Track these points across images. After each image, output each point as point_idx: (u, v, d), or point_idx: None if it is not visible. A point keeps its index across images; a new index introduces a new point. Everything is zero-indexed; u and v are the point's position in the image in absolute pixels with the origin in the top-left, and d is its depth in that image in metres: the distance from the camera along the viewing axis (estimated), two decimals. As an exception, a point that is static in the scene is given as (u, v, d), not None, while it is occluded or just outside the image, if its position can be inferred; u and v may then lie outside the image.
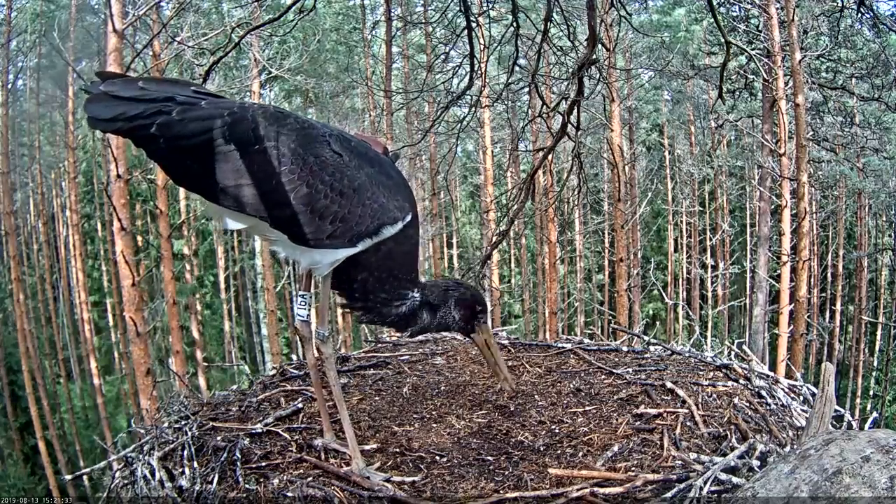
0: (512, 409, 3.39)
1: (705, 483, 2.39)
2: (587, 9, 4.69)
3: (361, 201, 2.44)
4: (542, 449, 2.92)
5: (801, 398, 3.55)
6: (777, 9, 12.01)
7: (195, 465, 2.75)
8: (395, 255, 2.64)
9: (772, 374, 3.86)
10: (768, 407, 3.30)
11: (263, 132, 2.37)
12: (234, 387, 4.10)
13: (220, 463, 2.73)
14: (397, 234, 2.56)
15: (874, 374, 21.10)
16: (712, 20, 6.48)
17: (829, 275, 22.13)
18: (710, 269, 22.43)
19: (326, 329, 2.75)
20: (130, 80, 2.47)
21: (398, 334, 4.99)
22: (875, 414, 4.21)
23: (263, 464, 2.78)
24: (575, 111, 5.27)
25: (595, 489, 2.46)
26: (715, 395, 3.41)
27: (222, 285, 22.68)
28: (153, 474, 2.74)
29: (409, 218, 2.57)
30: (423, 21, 16.91)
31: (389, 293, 2.70)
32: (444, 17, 7.64)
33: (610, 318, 19.80)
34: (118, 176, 8.48)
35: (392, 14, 15.70)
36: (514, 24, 5.50)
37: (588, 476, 2.59)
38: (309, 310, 2.81)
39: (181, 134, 2.31)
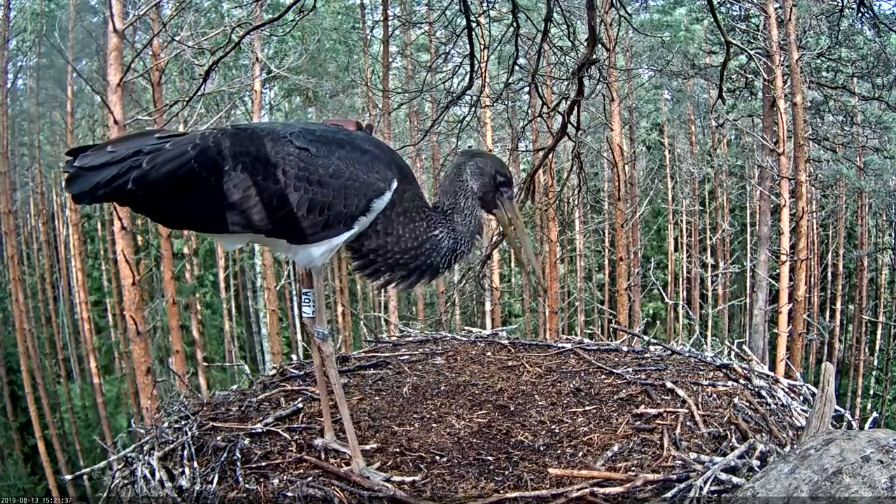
0: (512, 409, 3.40)
1: (705, 483, 2.39)
2: (587, 9, 4.68)
3: (343, 184, 2.46)
4: (542, 449, 2.92)
5: (801, 398, 3.55)
6: (776, 8, 12.01)
7: (195, 465, 2.75)
8: (403, 219, 2.63)
9: (772, 373, 3.86)
10: (768, 407, 3.30)
11: (228, 152, 2.42)
12: (234, 387, 4.11)
13: (220, 463, 2.73)
14: (393, 201, 2.57)
15: (874, 373, 21.08)
16: (712, 20, 6.48)
17: (829, 274, 22.11)
18: (710, 269, 22.42)
19: (325, 327, 2.76)
20: (99, 147, 2.52)
21: (398, 334, 4.99)
22: (875, 413, 4.22)
23: (263, 464, 2.78)
24: (575, 111, 5.27)
25: (595, 489, 2.46)
26: (715, 395, 3.42)
27: (222, 285, 22.65)
28: (153, 474, 2.74)
29: (395, 185, 2.56)
30: (422, 21, 16.91)
31: (417, 255, 2.66)
32: (443, 16, 7.63)
33: (610, 317, 19.81)
34: (118, 175, 8.46)
35: (390, 14, 15.69)
36: (514, 24, 5.49)
37: (588, 476, 2.59)
38: (314, 306, 2.80)
39: (155, 180, 2.38)
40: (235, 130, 2.49)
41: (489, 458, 2.86)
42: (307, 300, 2.80)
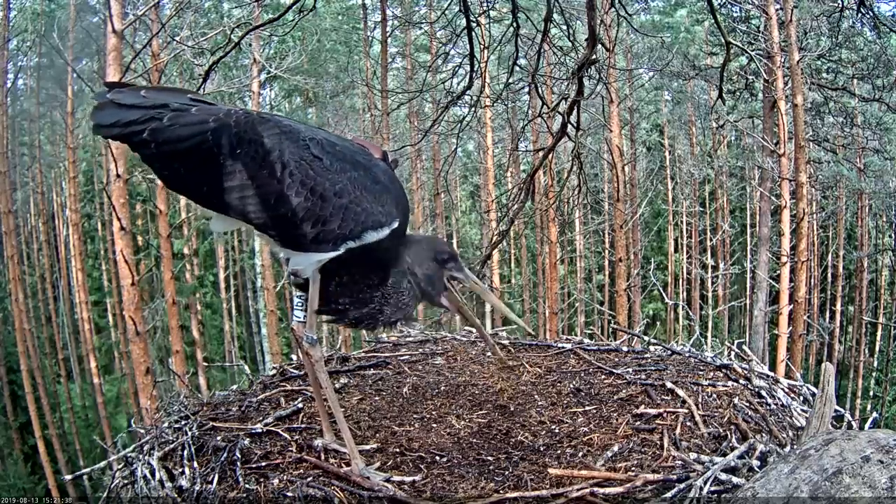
0: (512, 409, 3.39)
1: (705, 483, 2.39)
2: (587, 9, 4.68)
3: (343, 205, 2.44)
4: (542, 449, 2.92)
5: (801, 398, 3.54)
6: (776, 9, 12.02)
7: (195, 465, 2.75)
8: (375, 260, 2.64)
9: (772, 374, 3.85)
10: (768, 407, 3.30)
11: (245, 137, 2.41)
12: (234, 387, 4.10)
13: (220, 463, 2.73)
14: (382, 240, 2.55)
15: (874, 374, 21.08)
16: (713, 21, 6.48)
17: (829, 275, 22.11)
18: (710, 270, 22.43)
19: (314, 332, 2.75)
20: (135, 88, 2.55)
21: (398, 334, 5.00)
22: (875, 414, 4.21)
23: (263, 464, 2.78)
24: (575, 111, 5.27)
25: (595, 489, 2.46)
26: (715, 395, 3.41)
27: (222, 285, 22.66)
28: (153, 474, 2.74)
29: (395, 224, 2.54)
30: (422, 21, 16.91)
31: (372, 298, 2.73)
32: (444, 16, 7.63)
33: (610, 318, 19.79)
34: (118, 175, 8.48)
35: (390, 14, 15.70)
36: (514, 24, 5.49)
37: (588, 476, 2.59)
38: (307, 311, 2.79)
39: (169, 139, 2.39)
40: (260, 118, 2.48)
41: (489, 458, 2.85)
42: (300, 305, 2.79)
